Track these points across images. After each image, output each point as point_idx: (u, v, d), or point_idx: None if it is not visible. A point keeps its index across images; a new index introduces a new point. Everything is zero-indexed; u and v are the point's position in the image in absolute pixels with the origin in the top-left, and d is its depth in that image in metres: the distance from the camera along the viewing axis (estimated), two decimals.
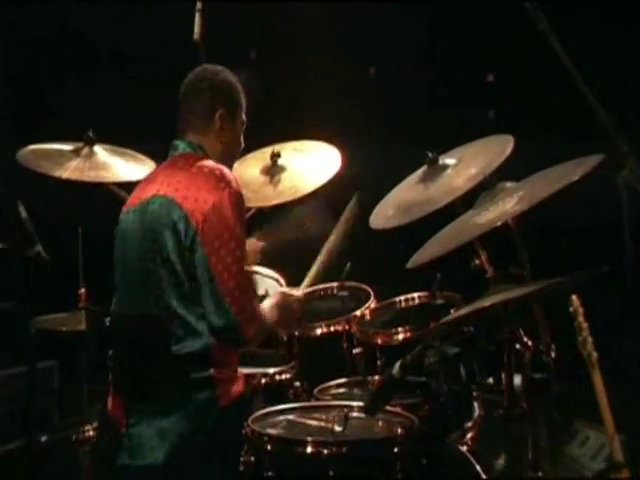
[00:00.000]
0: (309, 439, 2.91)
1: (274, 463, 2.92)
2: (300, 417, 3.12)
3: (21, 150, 4.13)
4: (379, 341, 3.67)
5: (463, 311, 2.83)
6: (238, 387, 3.24)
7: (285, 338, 3.80)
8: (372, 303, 3.84)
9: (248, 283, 3.24)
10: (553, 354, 2.98)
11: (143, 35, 5.10)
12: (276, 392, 3.70)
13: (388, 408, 3.09)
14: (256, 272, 3.91)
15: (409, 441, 2.92)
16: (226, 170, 3.25)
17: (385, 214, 3.38)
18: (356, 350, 3.72)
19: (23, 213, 3.93)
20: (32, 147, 4.16)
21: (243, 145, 3.46)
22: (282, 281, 3.90)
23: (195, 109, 3.34)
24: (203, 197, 3.16)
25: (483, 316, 3.01)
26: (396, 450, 2.91)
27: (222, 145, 3.35)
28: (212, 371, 3.15)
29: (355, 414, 3.12)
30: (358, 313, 3.76)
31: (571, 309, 2.39)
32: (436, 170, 3.43)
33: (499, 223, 2.86)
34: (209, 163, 3.27)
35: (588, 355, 2.37)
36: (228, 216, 3.15)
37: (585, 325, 2.38)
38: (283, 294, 3.48)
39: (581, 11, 4.89)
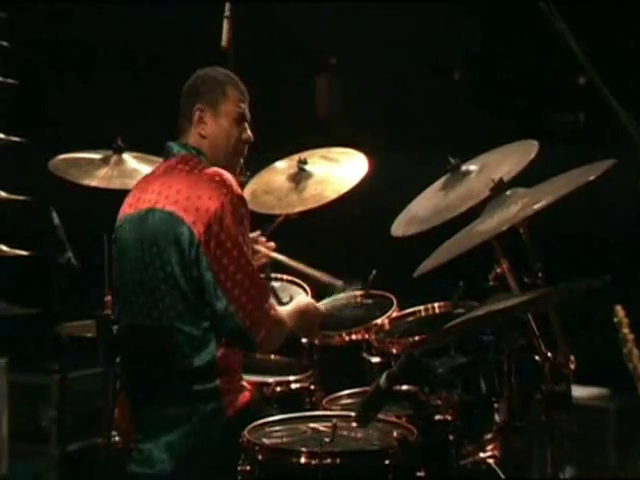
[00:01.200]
0: (298, 449, 2.81)
1: (264, 473, 2.83)
2: (298, 427, 3.00)
3: (53, 159, 4.15)
4: (394, 350, 3.55)
5: (456, 321, 2.71)
6: (245, 397, 3.18)
7: (306, 345, 3.72)
8: (394, 312, 3.70)
9: (256, 288, 3.15)
10: (572, 366, 2.85)
11: (173, 42, 5.08)
12: (292, 401, 3.59)
13: (389, 418, 3.00)
14: (281, 279, 3.84)
15: (403, 453, 2.79)
16: (225, 175, 3.17)
17: (405, 222, 3.29)
18: (375, 359, 3.60)
19: (56, 220, 3.91)
20: (63, 156, 4.18)
21: (250, 139, 3.35)
22: (307, 289, 3.82)
23: (181, 111, 3.32)
24: (204, 206, 3.09)
25: (479, 325, 2.88)
26: (387, 462, 2.78)
27: (207, 140, 3.28)
28: (218, 382, 3.10)
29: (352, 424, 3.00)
30: (379, 322, 3.62)
31: (615, 320, 2.25)
32: (458, 177, 3.33)
33: (499, 231, 2.74)
34: (207, 168, 3.20)
35: (634, 368, 2.24)
36: (229, 224, 3.09)
37: (631, 337, 2.25)
38: (307, 302, 3.42)
39: (593, 11, 4.71)
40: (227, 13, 4.06)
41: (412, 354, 2.80)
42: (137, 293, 3.19)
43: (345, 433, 2.92)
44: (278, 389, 3.62)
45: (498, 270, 3.10)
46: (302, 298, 3.51)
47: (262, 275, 3.63)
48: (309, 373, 3.69)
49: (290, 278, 3.90)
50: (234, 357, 3.21)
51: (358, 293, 3.75)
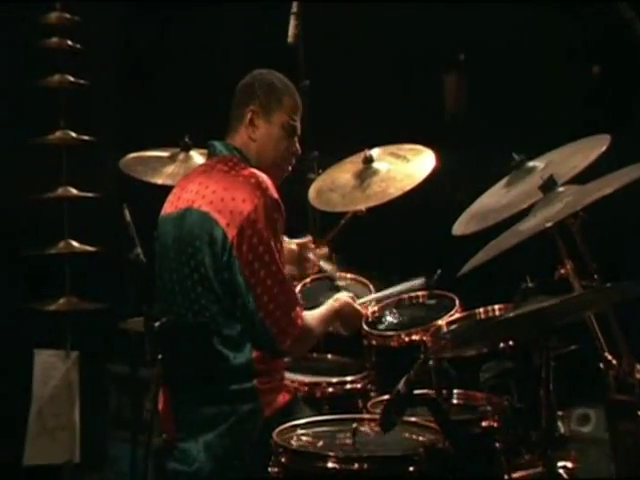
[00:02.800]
0: (322, 453, 2.69)
1: (288, 476, 2.72)
2: (327, 430, 2.87)
3: (123, 157, 4.14)
4: (447, 354, 3.39)
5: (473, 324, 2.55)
6: (284, 397, 3.10)
7: (365, 346, 3.52)
8: (456, 313, 3.53)
9: (285, 296, 3.07)
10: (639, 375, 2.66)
11: (239, 38, 4.99)
12: (345, 402, 3.44)
13: (421, 422, 2.86)
14: (345, 278, 3.73)
15: (428, 459, 2.65)
16: (262, 177, 3.07)
17: (466, 220, 3.14)
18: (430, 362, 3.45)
19: (127, 217, 3.85)
20: (133, 154, 4.16)
21: (298, 151, 3.28)
22: (371, 287, 3.68)
23: (233, 109, 3.23)
24: (238, 208, 3.01)
25: (511, 330, 2.72)
26: (412, 469, 2.64)
27: (255, 144, 3.19)
28: (255, 382, 3.03)
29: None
30: (439, 323, 3.46)
31: None
32: (522, 174, 3.15)
33: (536, 231, 2.60)
34: (245, 170, 3.10)
35: None
36: (262, 228, 3.00)
37: None
38: (342, 301, 3.35)
39: None
40: (294, 10, 3.96)
41: (427, 359, 2.71)
42: (175, 292, 3.13)
43: (369, 437, 2.80)
44: (330, 390, 3.47)
45: (562, 271, 2.93)
46: (339, 296, 3.39)
47: (299, 284, 3.60)
48: (364, 374, 3.53)
49: (355, 277, 3.77)
50: (273, 359, 3.12)
51: (420, 293, 3.60)
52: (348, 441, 2.73)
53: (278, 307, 3.02)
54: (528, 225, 2.70)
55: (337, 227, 3.84)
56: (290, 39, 3.93)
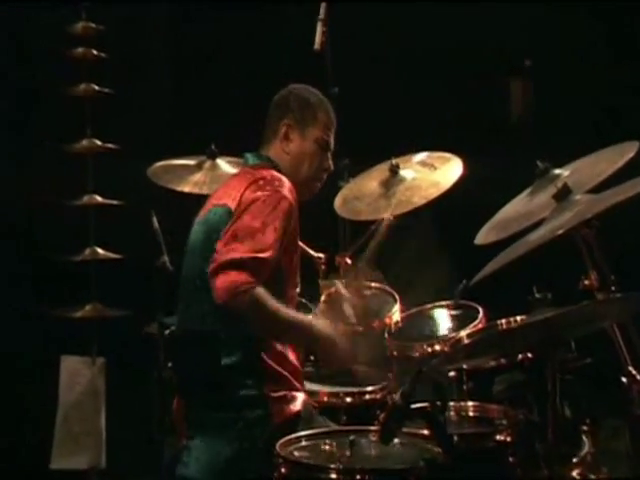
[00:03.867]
0: (317, 464, 2.61)
1: None
2: (331, 441, 2.76)
3: (151, 166, 4.10)
4: (465, 365, 3.27)
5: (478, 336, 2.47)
6: (295, 407, 3.02)
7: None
8: (479, 324, 3.41)
9: (253, 246, 2.89)
10: None
11: (264, 46, 4.93)
12: (364, 412, 3.35)
13: (424, 433, 2.75)
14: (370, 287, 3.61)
15: (429, 472, 2.56)
16: (280, 177, 3.06)
17: (488, 229, 3.02)
18: (451, 373, 3.32)
19: (155, 224, 3.81)
20: (160, 163, 4.12)
21: (330, 168, 3.25)
22: (396, 297, 3.56)
23: (267, 122, 3.23)
24: (249, 196, 2.99)
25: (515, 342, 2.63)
26: None
27: (289, 157, 3.18)
28: (265, 389, 2.97)
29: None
30: (461, 334, 3.35)
31: None
32: (545, 182, 3.00)
33: (542, 241, 2.50)
34: (267, 171, 3.09)
35: None
36: (261, 200, 2.96)
37: None
38: (341, 331, 3.13)
39: None
40: (321, 16, 3.87)
41: (420, 370, 2.61)
42: (193, 292, 3.07)
43: (369, 449, 2.70)
44: (348, 400, 3.37)
45: (586, 282, 2.83)
46: (340, 327, 3.16)
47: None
48: (384, 385, 3.43)
49: (380, 286, 3.67)
50: (285, 364, 3.05)
51: (444, 303, 3.53)
52: (348, 453, 2.64)
53: (233, 239, 2.90)
54: (537, 235, 2.62)
55: (364, 236, 3.75)
56: (316, 45, 3.85)
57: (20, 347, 4.74)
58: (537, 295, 2.93)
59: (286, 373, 3.04)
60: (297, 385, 3.08)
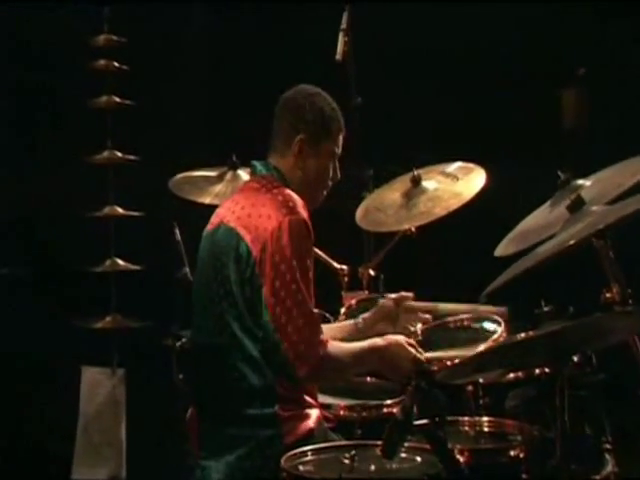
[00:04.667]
0: (315, 478, 2.57)
1: None
2: (340, 455, 2.69)
3: (173, 178, 4.05)
4: (480, 379, 3.19)
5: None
6: (307, 424, 2.94)
7: None
8: (500, 337, 3.27)
9: (305, 319, 2.87)
10: None
11: (287, 57, 4.86)
12: (381, 426, 3.25)
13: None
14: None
15: None
16: (293, 196, 2.97)
17: (507, 240, 2.94)
18: (469, 387, 3.25)
19: (177, 236, 3.82)
20: (181, 174, 4.08)
21: (337, 177, 3.14)
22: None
23: (278, 130, 3.09)
24: (263, 225, 2.91)
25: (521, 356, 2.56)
26: None
27: (301, 172, 3.06)
28: (277, 408, 2.89)
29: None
30: (482, 348, 3.27)
31: None
32: (566, 193, 2.90)
33: (549, 254, 2.43)
34: (276, 188, 3.00)
35: None
36: (286, 245, 2.87)
37: None
38: (388, 341, 3.04)
39: None
40: (343, 26, 3.80)
41: (418, 384, 2.54)
42: (204, 308, 3.03)
43: (375, 464, 2.63)
44: (364, 414, 3.27)
45: (608, 295, 2.75)
46: (389, 337, 3.09)
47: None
48: (402, 398, 3.31)
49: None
50: (297, 386, 2.96)
51: (465, 316, 3.40)
52: (351, 467, 2.58)
53: (296, 330, 2.84)
54: (546, 247, 2.55)
55: (385, 248, 3.68)
56: (338, 56, 3.76)
57: (40, 357, 4.71)
58: (545, 308, 2.91)
59: (298, 391, 2.96)
60: (310, 401, 3.00)
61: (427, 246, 3.86)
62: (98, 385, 4.64)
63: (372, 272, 3.61)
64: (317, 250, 3.57)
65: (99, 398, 4.64)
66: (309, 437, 2.90)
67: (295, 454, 2.67)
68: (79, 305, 4.67)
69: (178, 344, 3.12)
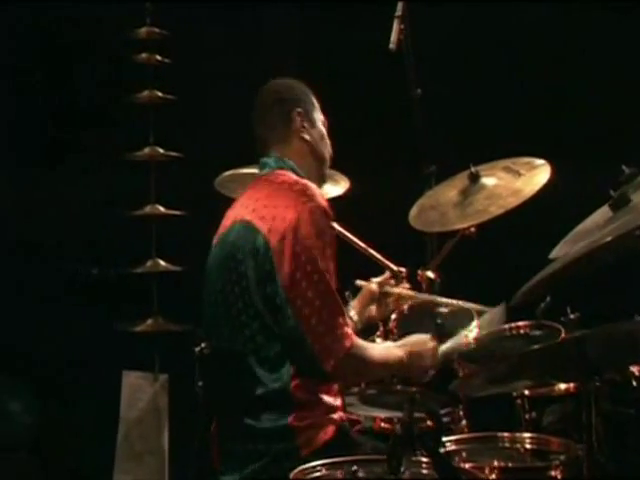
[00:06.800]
0: None
1: None
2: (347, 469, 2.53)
3: (219, 176, 3.90)
4: (526, 392, 2.99)
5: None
6: (326, 435, 2.77)
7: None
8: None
9: (330, 310, 2.75)
10: None
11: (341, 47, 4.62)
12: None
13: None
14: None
15: None
16: (308, 184, 2.86)
17: (563, 242, 2.70)
18: (518, 401, 3.04)
19: None
20: (228, 172, 3.89)
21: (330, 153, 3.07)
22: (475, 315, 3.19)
23: (270, 122, 3.01)
24: (281, 215, 2.77)
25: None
26: None
27: (308, 146, 2.98)
28: (291, 419, 2.74)
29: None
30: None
31: None
32: (631, 190, 2.58)
33: (579, 254, 2.24)
34: (292, 178, 2.88)
35: None
36: (305, 236, 2.73)
37: None
38: (419, 341, 2.95)
39: None
40: (398, 13, 3.54)
41: (413, 397, 2.48)
42: (216, 312, 2.90)
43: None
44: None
45: None
46: (416, 337, 2.98)
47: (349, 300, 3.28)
48: (447, 410, 3.09)
49: (457, 303, 3.31)
50: (316, 388, 2.80)
51: (522, 324, 3.15)
52: None
53: (321, 322, 2.71)
54: (577, 248, 2.37)
55: (444, 250, 3.41)
56: (392, 44, 3.50)
57: (80, 362, 4.60)
58: (571, 316, 2.77)
59: (316, 396, 2.79)
60: (331, 403, 2.82)
61: (486, 247, 3.59)
62: (139, 391, 4.50)
63: (431, 275, 3.34)
64: (373, 251, 3.42)
65: (140, 404, 4.50)
66: (328, 447, 2.74)
67: (306, 469, 2.53)
68: (119, 307, 4.55)
69: (197, 349, 2.94)
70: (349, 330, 2.76)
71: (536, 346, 2.44)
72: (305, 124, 2.97)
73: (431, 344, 2.93)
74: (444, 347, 2.98)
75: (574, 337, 2.28)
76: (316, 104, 3.05)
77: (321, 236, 2.75)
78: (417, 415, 2.89)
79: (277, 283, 2.72)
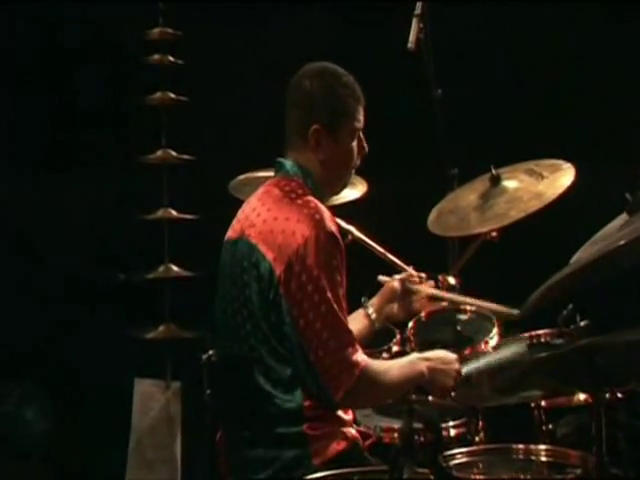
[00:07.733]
0: None
1: None
2: None
3: (233, 179, 3.82)
4: (543, 403, 2.90)
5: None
6: (338, 445, 2.70)
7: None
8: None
9: (337, 341, 2.64)
10: None
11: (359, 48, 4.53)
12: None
13: None
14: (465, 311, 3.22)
15: None
16: (319, 207, 2.70)
17: (586, 245, 2.58)
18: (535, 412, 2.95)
19: None
20: (242, 176, 3.82)
21: (364, 151, 2.83)
22: (494, 321, 3.13)
23: (291, 123, 2.81)
24: (287, 242, 2.63)
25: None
26: None
27: (322, 164, 2.76)
28: (304, 427, 2.66)
29: None
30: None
31: None
32: None
33: (589, 260, 2.18)
34: (300, 198, 2.72)
35: None
36: (312, 264, 2.61)
37: None
38: (446, 359, 2.82)
39: None
40: (417, 11, 3.43)
41: (412, 407, 2.42)
42: (229, 328, 2.78)
43: None
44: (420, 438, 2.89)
45: None
46: (430, 353, 2.86)
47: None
48: (463, 420, 3.01)
49: (482, 303, 3.21)
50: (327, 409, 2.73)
51: (543, 332, 3.03)
52: None
53: (327, 354, 2.62)
54: (586, 254, 2.31)
55: (465, 255, 3.32)
56: (410, 44, 3.39)
57: (92, 369, 4.53)
58: (581, 324, 2.72)
59: (329, 412, 2.71)
60: (344, 418, 2.75)
61: (509, 252, 3.51)
62: (151, 399, 4.45)
63: (452, 280, 3.24)
64: (391, 256, 3.33)
65: (153, 412, 4.45)
66: (340, 458, 2.66)
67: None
68: (131, 313, 4.50)
69: (204, 357, 2.92)
70: (359, 357, 2.66)
71: (543, 354, 2.41)
72: (323, 141, 2.74)
73: (457, 365, 2.81)
74: (467, 369, 2.87)
75: (581, 345, 2.18)
76: (351, 109, 2.76)
77: (328, 264, 2.64)
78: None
79: (283, 312, 2.63)
